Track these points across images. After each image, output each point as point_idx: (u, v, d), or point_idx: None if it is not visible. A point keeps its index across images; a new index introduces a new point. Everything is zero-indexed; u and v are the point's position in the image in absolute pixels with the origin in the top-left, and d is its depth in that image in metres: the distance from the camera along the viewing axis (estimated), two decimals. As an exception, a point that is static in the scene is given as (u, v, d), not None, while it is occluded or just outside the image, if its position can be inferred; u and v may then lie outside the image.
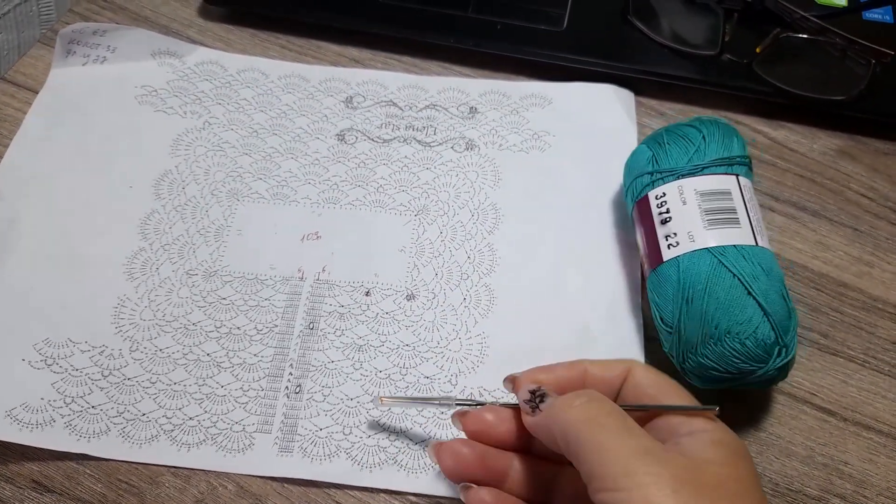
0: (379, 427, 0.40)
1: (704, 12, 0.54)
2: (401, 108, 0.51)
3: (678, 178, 0.41)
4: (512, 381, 0.35)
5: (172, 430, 0.39)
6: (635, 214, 0.43)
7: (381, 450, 0.39)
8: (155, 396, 0.40)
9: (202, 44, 0.54)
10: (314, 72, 0.53)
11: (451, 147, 0.50)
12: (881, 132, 0.52)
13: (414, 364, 0.42)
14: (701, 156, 0.41)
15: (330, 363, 0.41)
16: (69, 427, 0.39)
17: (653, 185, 0.42)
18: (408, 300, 0.44)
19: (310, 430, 0.39)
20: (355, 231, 0.46)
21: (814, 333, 0.44)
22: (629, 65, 0.52)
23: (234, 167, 0.48)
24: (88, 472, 0.38)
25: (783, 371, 0.38)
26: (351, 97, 0.52)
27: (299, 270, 0.44)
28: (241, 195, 0.47)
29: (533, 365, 0.36)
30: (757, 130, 0.52)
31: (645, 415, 0.32)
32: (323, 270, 0.44)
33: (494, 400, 0.40)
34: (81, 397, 0.40)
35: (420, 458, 0.39)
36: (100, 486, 0.38)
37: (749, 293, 0.37)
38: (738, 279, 0.37)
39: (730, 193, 0.40)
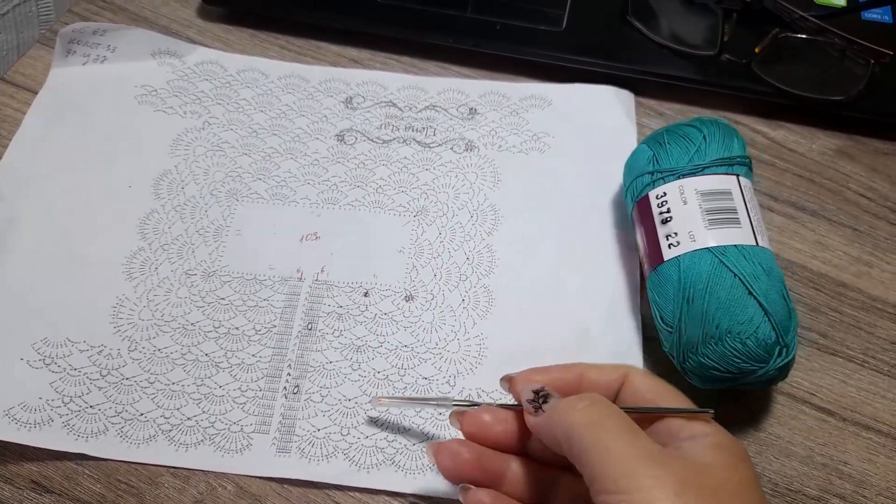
0: (377, 428, 0.40)
1: (703, 12, 0.54)
2: (400, 109, 0.51)
3: (679, 177, 0.41)
4: (508, 381, 0.35)
5: (170, 431, 0.39)
6: (635, 214, 0.43)
7: (379, 450, 0.39)
8: (153, 396, 0.40)
9: (201, 44, 0.54)
10: (314, 72, 0.53)
11: (451, 148, 0.50)
12: (880, 132, 0.52)
13: (412, 365, 0.42)
14: (702, 156, 0.41)
15: (328, 364, 0.41)
16: (67, 426, 0.39)
17: (653, 184, 0.42)
18: (406, 301, 0.44)
19: (307, 431, 0.39)
20: (354, 232, 0.46)
21: (813, 333, 0.44)
22: (628, 65, 0.52)
23: (234, 167, 0.48)
24: (87, 472, 0.38)
25: (783, 371, 0.38)
26: (351, 98, 0.52)
27: (298, 271, 0.44)
28: (240, 195, 0.47)
29: (532, 365, 0.35)
30: (756, 130, 0.52)
31: (644, 419, 0.32)
32: (322, 271, 0.44)
33: (491, 401, 0.40)
34: (80, 397, 0.40)
35: (417, 458, 0.39)
36: (99, 486, 0.38)
37: (750, 293, 0.37)
38: (740, 279, 0.37)
39: (730, 193, 0.40)
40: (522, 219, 0.47)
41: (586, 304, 0.44)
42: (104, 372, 0.41)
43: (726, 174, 0.41)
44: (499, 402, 0.37)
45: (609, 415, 0.30)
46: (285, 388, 0.41)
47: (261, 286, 0.44)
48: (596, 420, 0.29)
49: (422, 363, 0.42)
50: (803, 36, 0.51)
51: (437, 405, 0.38)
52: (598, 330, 0.43)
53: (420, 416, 0.40)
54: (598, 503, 0.28)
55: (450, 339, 0.42)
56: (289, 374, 0.41)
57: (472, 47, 0.53)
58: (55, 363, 0.41)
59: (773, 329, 0.37)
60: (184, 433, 0.39)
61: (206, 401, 0.40)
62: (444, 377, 0.41)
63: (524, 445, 0.35)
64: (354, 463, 0.39)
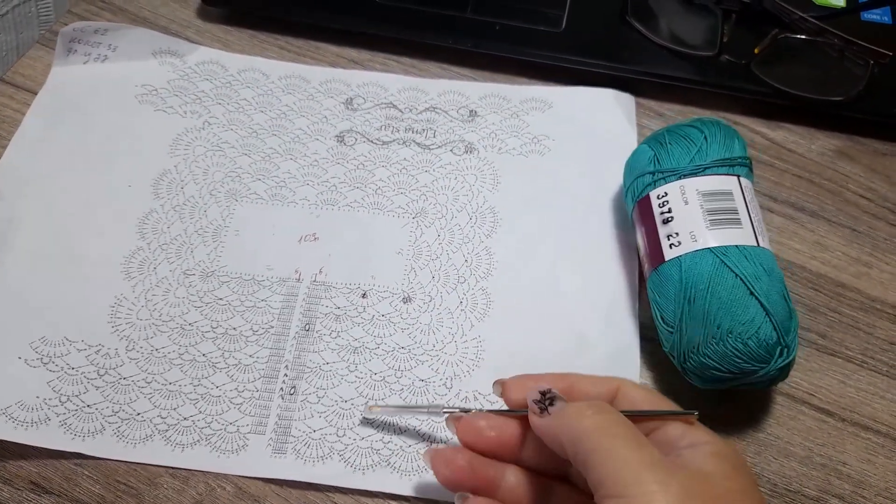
0: (372, 429, 0.40)
1: (703, 13, 0.54)
2: (401, 111, 0.51)
3: (680, 178, 0.41)
4: (501, 386, 0.35)
5: (167, 430, 0.39)
6: (636, 214, 0.43)
7: (375, 452, 0.39)
8: (150, 396, 0.40)
9: (201, 45, 0.54)
10: (314, 73, 0.53)
11: (451, 150, 0.50)
12: (879, 133, 0.52)
13: (409, 367, 0.42)
14: (703, 156, 0.41)
15: (325, 365, 0.41)
16: (64, 426, 0.39)
17: (654, 184, 0.42)
18: (404, 303, 0.44)
19: (303, 432, 0.39)
20: (353, 233, 0.46)
21: (812, 334, 0.44)
22: (627, 66, 0.52)
23: (233, 167, 0.48)
24: (87, 473, 0.38)
25: (784, 371, 0.38)
26: (351, 99, 0.52)
27: (296, 272, 0.44)
28: (239, 196, 0.47)
29: (529, 368, 0.36)
30: (755, 131, 0.52)
31: (643, 429, 0.32)
32: (320, 272, 0.44)
33: (488, 403, 0.40)
34: (77, 396, 0.40)
35: (413, 460, 0.39)
36: (98, 487, 0.38)
37: (751, 293, 0.37)
38: (741, 279, 0.37)
39: (731, 194, 0.40)
40: (521, 221, 0.47)
41: (585, 304, 0.44)
42: (101, 371, 0.41)
43: (727, 175, 0.41)
44: (493, 407, 0.37)
45: (616, 422, 0.30)
46: (282, 388, 0.41)
47: (259, 287, 0.44)
48: (604, 426, 0.30)
49: (419, 365, 0.42)
50: (803, 37, 0.51)
51: (429, 412, 0.38)
52: (598, 330, 0.43)
53: (415, 419, 0.40)
54: None
55: (447, 341, 0.42)
56: (285, 375, 0.41)
57: (471, 48, 0.53)
58: (53, 362, 0.41)
59: (775, 329, 0.37)
60: (180, 433, 0.39)
61: (203, 401, 0.40)
62: (441, 379, 0.41)
63: (519, 454, 0.35)
64: (350, 464, 0.39)
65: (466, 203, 0.47)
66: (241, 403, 0.40)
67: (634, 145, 0.50)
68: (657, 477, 0.28)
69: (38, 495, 0.38)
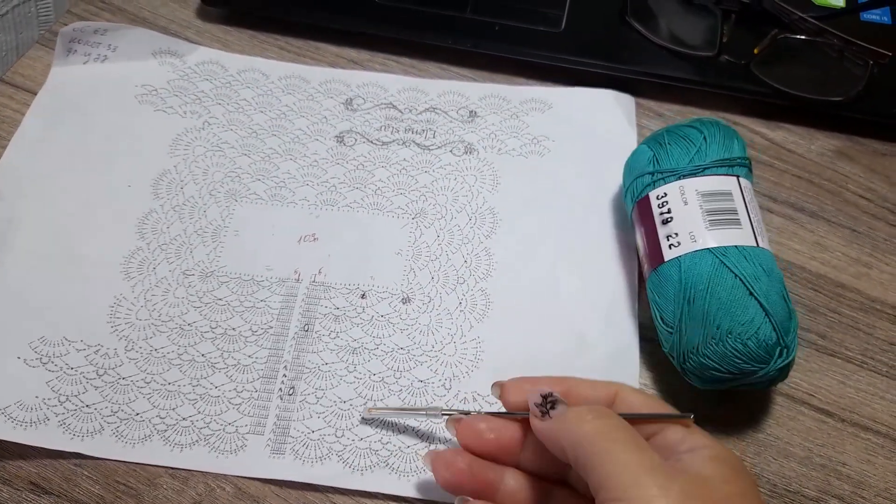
0: (371, 430, 0.40)
1: (702, 13, 0.54)
2: (400, 111, 0.51)
3: (679, 178, 0.41)
4: (500, 388, 0.35)
5: (166, 431, 0.39)
6: (635, 214, 0.43)
7: (373, 453, 0.39)
8: (149, 396, 0.40)
9: (201, 45, 0.54)
10: (314, 73, 0.53)
11: (450, 150, 0.50)
12: (879, 133, 0.52)
13: (408, 367, 0.41)
14: (702, 156, 0.41)
15: (324, 365, 0.41)
16: (63, 426, 0.39)
17: (654, 184, 0.42)
18: (403, 303, 0.44)
19: (302, 433, 0.39)
20: (352, 233, 0.46)
21: (812, 334, 0.44)
22: (627, 66, 0.52)
23: (233, 168, 0.48)
24: (86, 473, 0.38)
25: (783, 372, 0.38)
26: (351, 99, 0.52)
27: (296, 272, 0.44)
28: (239, 196, 0.47)
29: (529, 369, 0.36)
30: (755, 131, 0.52)
31: (643, 434, 0.32)
32: (319, 272, 0.44)
33: (479, 408, 0.40)
34: (76, 396, 0.40)
35: (411, 461, 0.39)
36: (97, 487, 0.38)
37: (751, 294, 0.37)
38: (740, 280, 0.37)
39: (731, 194, 0.40)
40: (521, 221, 0.47)
41: (585, 305, 0.44)
42: (101, 371, 0.41)
43: (727, 175, 0.41)
44: (484, 410, 0.37)
45: (617, 426, 0.30)
46: (281, 389, 0.41)
47: (258, 287, 0.44)
48: (604, 430, 0.30)
49: (418, 366, 0.42)
50: (802, 37, 0.51)
51: (428, 415, 0.38)
52: (597, 331, 0.43)
53: (414, 419, 0.40)
54: None
55: (446, 342, 0.42)
56: (284, 376, 0.41)
57: (470, 48, 0.53)
58: (52, 362, 0.41)
59: (774, 330, 0.37)
60: (179, 433, 0.39)
61: (202, 401, 0.40)
62: (440, 380, 0.41)
63: (519, 457, 0.35)
64: (348, 465, 0.38)
65: (466, 204, 0.47)
66: (240, 404, 0.40)
67: (634, 146, 0.50)
68: (657, 481, 0.28)
69: (38, 495, 0.38)
